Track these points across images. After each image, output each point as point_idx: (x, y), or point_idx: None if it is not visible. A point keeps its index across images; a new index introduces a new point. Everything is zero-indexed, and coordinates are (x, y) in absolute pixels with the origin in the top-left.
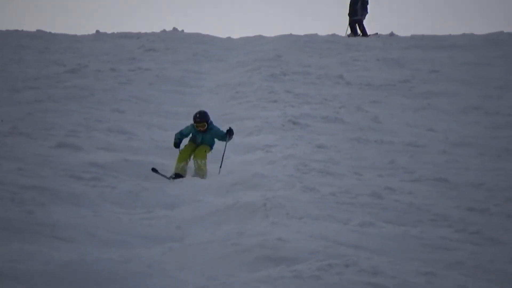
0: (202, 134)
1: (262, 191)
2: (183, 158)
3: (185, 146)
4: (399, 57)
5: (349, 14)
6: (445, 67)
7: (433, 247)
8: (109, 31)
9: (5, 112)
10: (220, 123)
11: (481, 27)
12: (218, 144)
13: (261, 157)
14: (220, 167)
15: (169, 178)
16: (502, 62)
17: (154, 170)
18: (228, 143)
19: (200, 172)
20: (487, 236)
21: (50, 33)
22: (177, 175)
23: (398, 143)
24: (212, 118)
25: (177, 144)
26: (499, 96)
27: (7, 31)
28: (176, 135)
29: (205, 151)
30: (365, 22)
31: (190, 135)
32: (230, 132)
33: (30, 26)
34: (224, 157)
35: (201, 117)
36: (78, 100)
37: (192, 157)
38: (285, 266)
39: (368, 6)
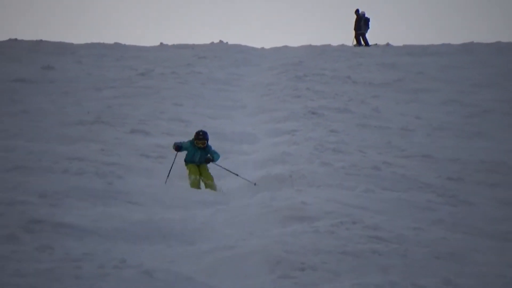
0: (200, 151)
1: (288, 165)
2: (196, 180)
3: (192, 168)
4: (394, 62)
5: (355, 29)
6: (429, 69)
7: (420, 208)
8: (170, 43)
9: (90, 106)
10: (255, 114)
11: (457, 38)
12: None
13: (287, 139)
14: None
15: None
16: (473, 66)
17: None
18: (214, 162)
19: (213, 189)
20: (461, 199)
21: (124, 44)
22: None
23: (393, 127)
24: (249, 110)
25: (178, 148)
26: (471, 92)
27: (92, 43)
28: (175, 142)
29: (210, 176)
30: (367, 35)
31: (186, 152)
32: (216, 157)
33: (109, 39)
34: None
35: (204, 135)
36: (146, 97)
37: (200, 178)
38: (306, 223)
39: (370, 23)
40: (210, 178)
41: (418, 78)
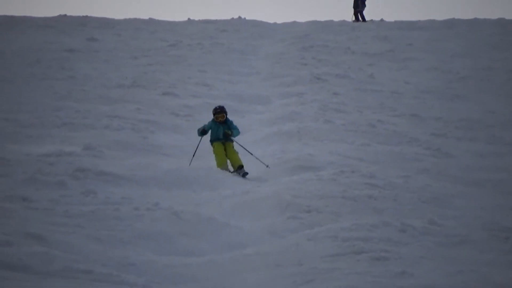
0: (222, 126)
1: (296, 123)
2: (223, 159)
3: (217, 147)
4: (386, 35)
5: (354, 7)
6: (416, 42)
7: (409, 159)
8: (196, 19)
9: (128, 72)
10: (268, 79)
11: (441, 14)
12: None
13: (296, 100)
14: (261, 161)
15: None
16: (453, 39)
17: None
18: (234, 137)
19: (239, 163)
20: (444, 152)
21: (157, 20)
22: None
23: (385, 91)
24: (263, 76)
25: (204, 132)
26: (451, 61)
27: (130, 18)
28: (199, 129)
29: (234, 153)
30: (364, 12)
31: (210, 131)
32: (236, 133)
33: (144, 15)
34: (251, 153)
35: (221, 108)
36: (176, 64)
37: (228, 160)
38: (312, 172)
39: (366, 2)
40: (235, 154)
41: (407, 49)
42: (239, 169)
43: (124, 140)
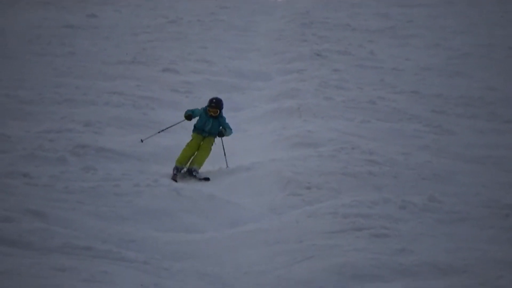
0: (212, 120)
1: (297, 99)
2: (186, 156)
3: (191, 143)
4: (387, 12)
5: None
6: (417, 19)
7: (409, 136)
8: None
9: (128, 48)
10: (269, 55)
11: None
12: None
13: (296, 77)
14: (226, 162)
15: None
16: (454, 16)
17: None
18: (226, 136)
19: (196, 163)
20: (444, 129)
21: None
22: (177, 169)
23: (386, 68)
24: (263, 52)
25: (190, 117)
26: (451, 38)
27: None
28: (187, 111)
29: (206, 152)
30: None
31: (198, 117)
32: (228, 132)
33: None
34: (225, 152)
35: (217, 103)
36: (176, 41)
37: (192, 158)
38: (312, 148)
39: None
40: (203, 154)
41: (408, 26)
42: (192, 170)
43: (124, 117)
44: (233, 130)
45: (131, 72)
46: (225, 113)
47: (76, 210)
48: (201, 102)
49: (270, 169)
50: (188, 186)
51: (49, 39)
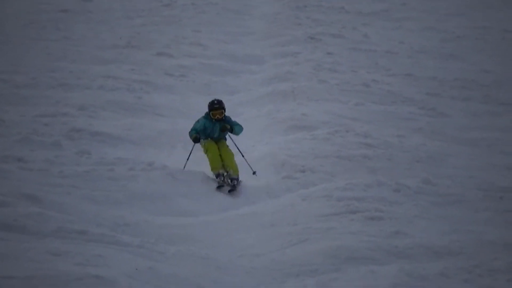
0: (219, 124)
1: (291, 82)
2: (218, 160)
3: (210, 147)
4: None
5: None
6: (410, 1)
7: (403, 118)
8: None
9: (122, 32)
10: (263, 39)
11: None
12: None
13: (290, 60)
14: (250, 166)
15: (217, 188)
16: None
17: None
18: (235, 134)
19: (235, 172)
20: (438, 112)
21: None
22: (220, 186)
23: (380, 51)
24: (258, 36)
25: (197, 139)
26: (445, 20)
27: None
28: (190, 132)
29: (230, 154)
30: None
31: (203, 127)
32: (238, 129)
33: None
34: (245, 158)
35: (220, 103)
36: (170, 24)
37: (222, 164)
38: (306, 131)
39: None
40: (230, 157)
41: (402, 9)
42: (234, 183)
43: (118, 100)
44: (243, 126)
45: (125, 56)
46: (220, 96)
47: (71, 194)
48: (195, 86)
49: (265, 152)
50: (183, 170)
51: (44, 23)
